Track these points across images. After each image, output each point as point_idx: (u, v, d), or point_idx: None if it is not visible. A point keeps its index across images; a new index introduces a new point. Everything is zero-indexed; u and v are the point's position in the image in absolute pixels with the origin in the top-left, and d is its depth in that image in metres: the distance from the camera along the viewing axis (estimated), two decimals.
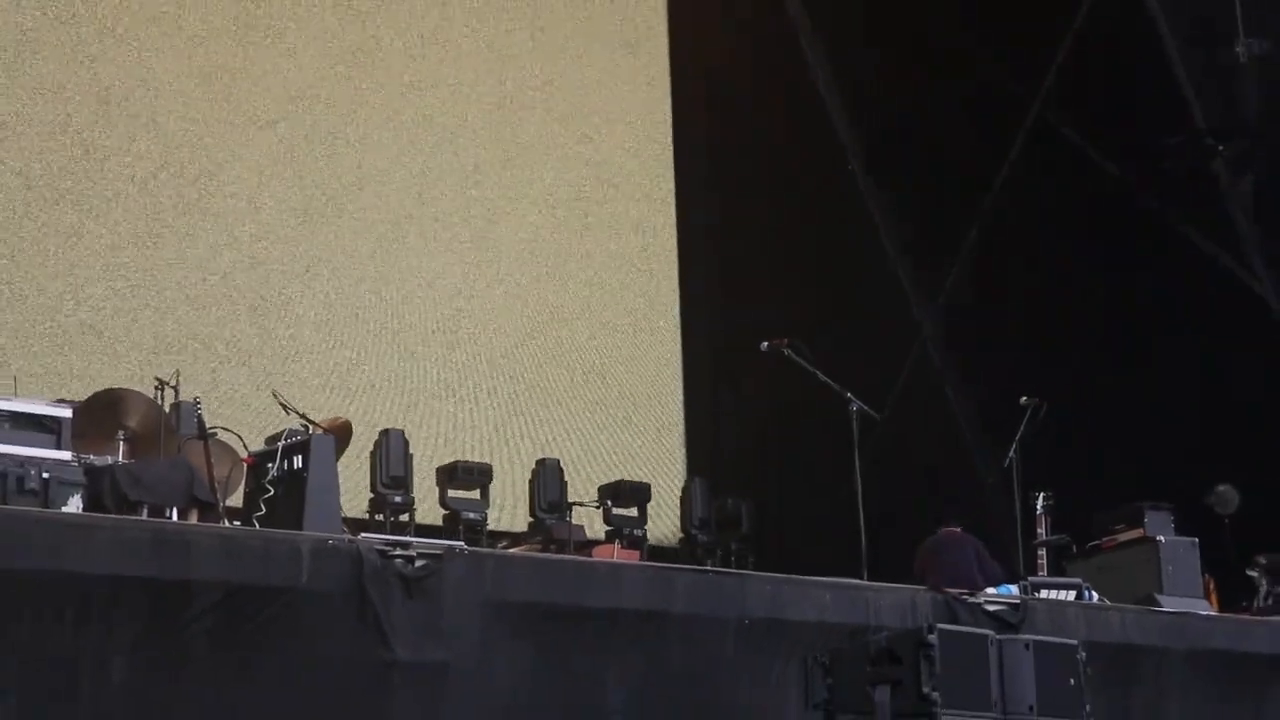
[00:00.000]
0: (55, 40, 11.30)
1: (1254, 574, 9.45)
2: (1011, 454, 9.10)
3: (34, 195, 10.91)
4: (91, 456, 7.06)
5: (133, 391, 7.84)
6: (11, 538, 5.40)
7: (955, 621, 6.79)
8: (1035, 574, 8.76)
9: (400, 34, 12.88)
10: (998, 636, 6.42)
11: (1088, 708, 6.41)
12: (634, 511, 11.00)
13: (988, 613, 7.14)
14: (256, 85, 12.16)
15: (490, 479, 10.55)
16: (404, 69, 12.87)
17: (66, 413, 6.97)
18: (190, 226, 11.42)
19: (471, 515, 10.25)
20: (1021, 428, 9.09)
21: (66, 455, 6.77)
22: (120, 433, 7.54)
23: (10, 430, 6.64)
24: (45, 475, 6.56)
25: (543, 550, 10.00)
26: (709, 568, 9.70)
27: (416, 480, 10.32)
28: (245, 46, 12.09)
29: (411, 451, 10.31)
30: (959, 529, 8.98)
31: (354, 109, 12.50)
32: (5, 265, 10.47)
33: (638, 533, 10.92)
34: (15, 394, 7.02)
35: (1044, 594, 7.96)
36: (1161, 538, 8.98)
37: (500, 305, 12.79)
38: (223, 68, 11.95)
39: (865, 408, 8.82)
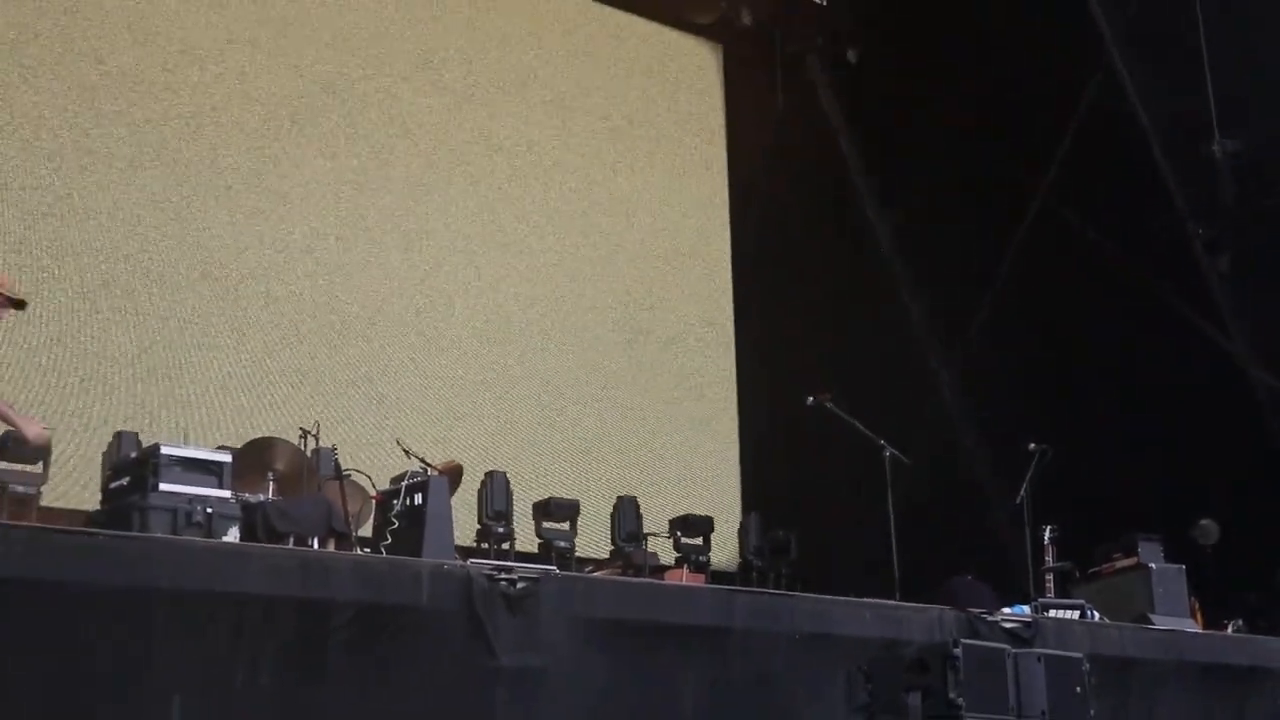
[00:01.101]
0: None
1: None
2: (1022, 493, 9.07)
3: (210, 283, 11.02)
4: (246, 495, 7.15)
5: (280, 439, 7.93)
6: (181, 563, 5.47)
7: (976, 637, 6.76)
8: (1044, 596, 8.70)
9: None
10: (1013, 650, 6.41)
11: (1092, 712, 6.39)
12: (699, 541, 11.00)
13: (1004, 629, 7.09)
14: (401, 161, 12.27)
15: (578, 513, 10.59)
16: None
17: (226, 458, 7.01)
18: (325, 301, 11.50)
19: (562, 544, 10.29)
20: (1030, 470, 9.07)
21: (226, 494, 6.82)
22: (270, 474, 7.64)
23: (181, 473, 6.69)
24: (209, 511, 6.61)
25: (622, 574, 10.01)
26: (765, 589, 9.70)
27: (515, 513, 10.39)
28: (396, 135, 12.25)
29: (511, 489, 10.39)
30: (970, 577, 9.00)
31: (468, 199, 12.58)
32: (177, 330, 10.56)
33: (702, 559, 10.91)
34: (185, 442, 7.09)
35: (1052, 613, 7.89)
36: (1153, 565, 8.92)
37: (583, 370, 12.81)
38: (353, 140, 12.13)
39: (896, 453, 8.81)
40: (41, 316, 9.94)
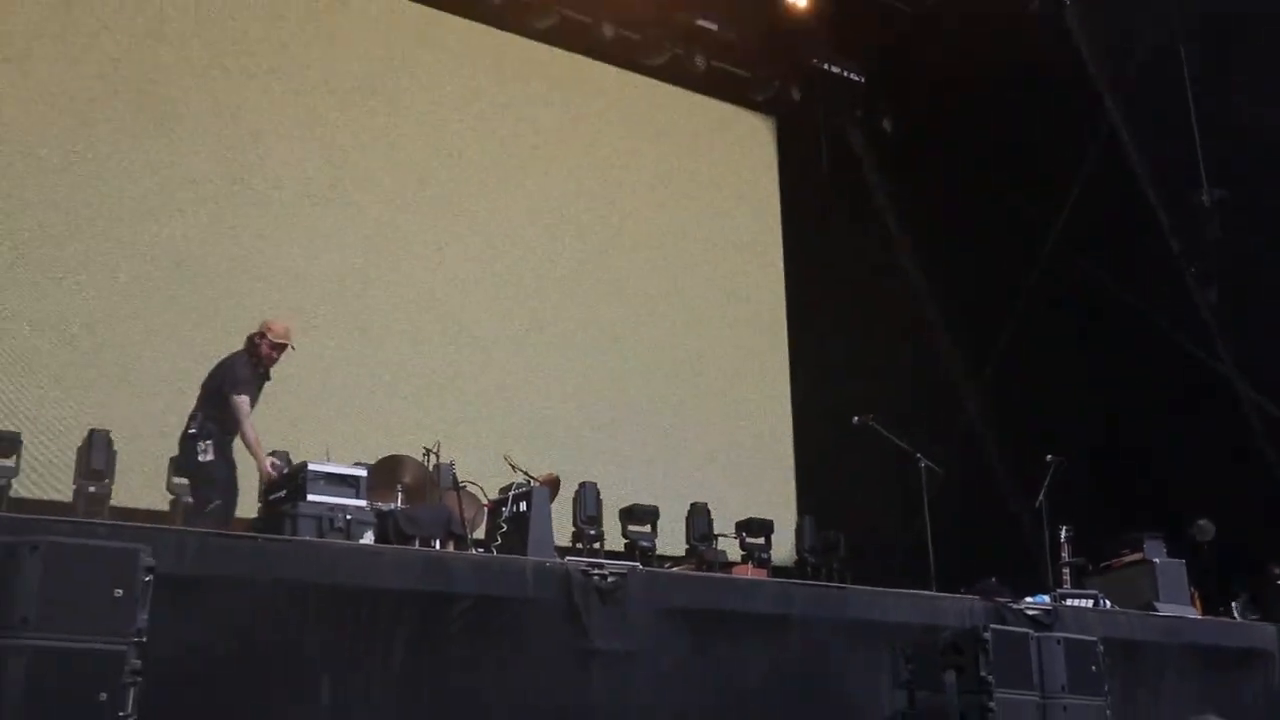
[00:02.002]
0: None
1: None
2: (1041, 498, 8.98)
3: (351, 324, 11.17)
4: (379, 504, 7.21)
5: (408, 457, 7.97)
6: (326, 562, 5.57)
7: (1003, 623, 6.69)
8: (1061, 587, 8.59)
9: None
10: (1035, 634, 6.33)
11: (1106, 688, 6.29)
12: (761, 540, 10.94)
13: (1027, 616, 7.02)
14: (521, 216, 12.43)
15: (658, 517, 10.59)
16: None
17: (362, 472, 7.07)
18: (445, 342, 11.63)
19: (644, 543, 10.28)
20: (1048, 478, 8.98)
21: (362, 503, 6.87)
22: (399, 486, 7.68)
23: (325, 485, 6.75)
24: (348, 517, 6.67)
25: (696, 569, 10.00)
26: (819, 582, 9.65)
27: (604, 517, 10.43)
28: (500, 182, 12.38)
29: (600, 497, 10.42)
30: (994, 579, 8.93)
31: (562, 250, 12.69)
32: (320, 362, 10.67)
33: (764, 556, 10.85)
34: (328, 459, 7.15)
35: (1069, 602, 7.79)
36: (1157, 559, 8.80)
37: (660, 395, 12.87)
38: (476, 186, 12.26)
39: (931, 464, 8.76)
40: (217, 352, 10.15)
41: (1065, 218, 12.30)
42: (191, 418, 7.33)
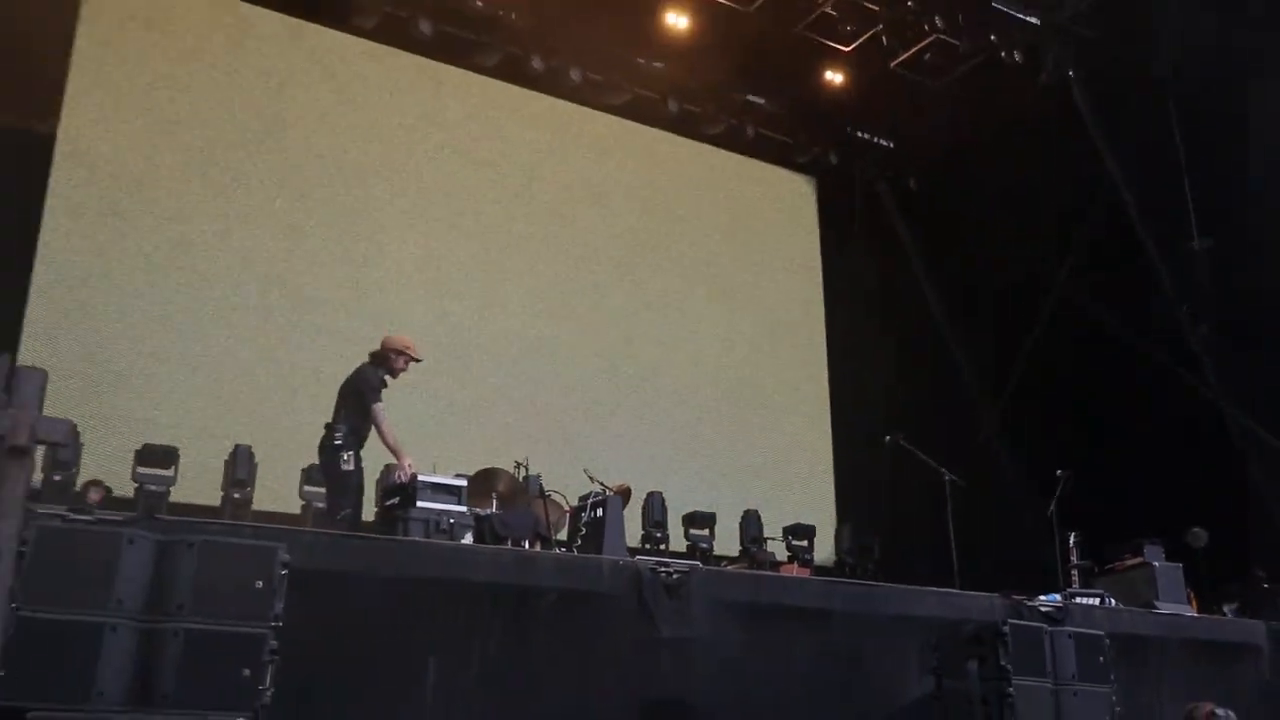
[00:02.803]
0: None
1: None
2: (1051, 508, 8.81)
3: (456, 354, 11.28)
4: (477, 509, 7.24)
5: (501, 469, 8.01)
6: (432, 559, 5.61)
7: (1019, 618, 6.55)
8: (1071, 587, 8.39)
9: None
10: (1049, 628, 6.20)
11: (1112, 676, 6.14)
12: (805, 543, 10.85)
13: (1041, 612, 6.85)
14: (602, 264, 12.48)
15: (715, 522, 10.54)
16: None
17: (462, 482, 7.11)
18: (532, 372, 11.70)
19: (704, 545, 10.24)
20: (1058, 490, 8.80)
21: (463, 509, 6.91)
22: (493, 494, 7.71)
23: (432, 493, 6.80)
24: (451, 521, 6.73)
25: (749, 567, 9.93)
26: (857, 580, 9.53)
27: (669, 522, 10.39)
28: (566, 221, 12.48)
29: (665, 504, 10.40)
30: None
31: (622, 292, 12.73)
32: (428, 387, 10.82)
33: (808, 557, 10.75)
34: (434, 470, 7.20)
35: (1078, 600, 7.60)
36: (1156, 563, 8.54)
37: (717, 416, 12.84)
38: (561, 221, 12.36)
39: (954, 477, 8.65)
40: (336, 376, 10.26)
41: (1071, 263, 12.15)
42: (333, 428, 7.02)
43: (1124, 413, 11.20)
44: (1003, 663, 5.71)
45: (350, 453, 6.95)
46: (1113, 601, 7.87)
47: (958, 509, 8.57)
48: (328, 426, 7.06)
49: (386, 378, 7.28)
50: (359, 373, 7.19)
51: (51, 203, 9.71)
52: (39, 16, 9.14)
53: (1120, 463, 10.88)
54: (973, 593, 7.13)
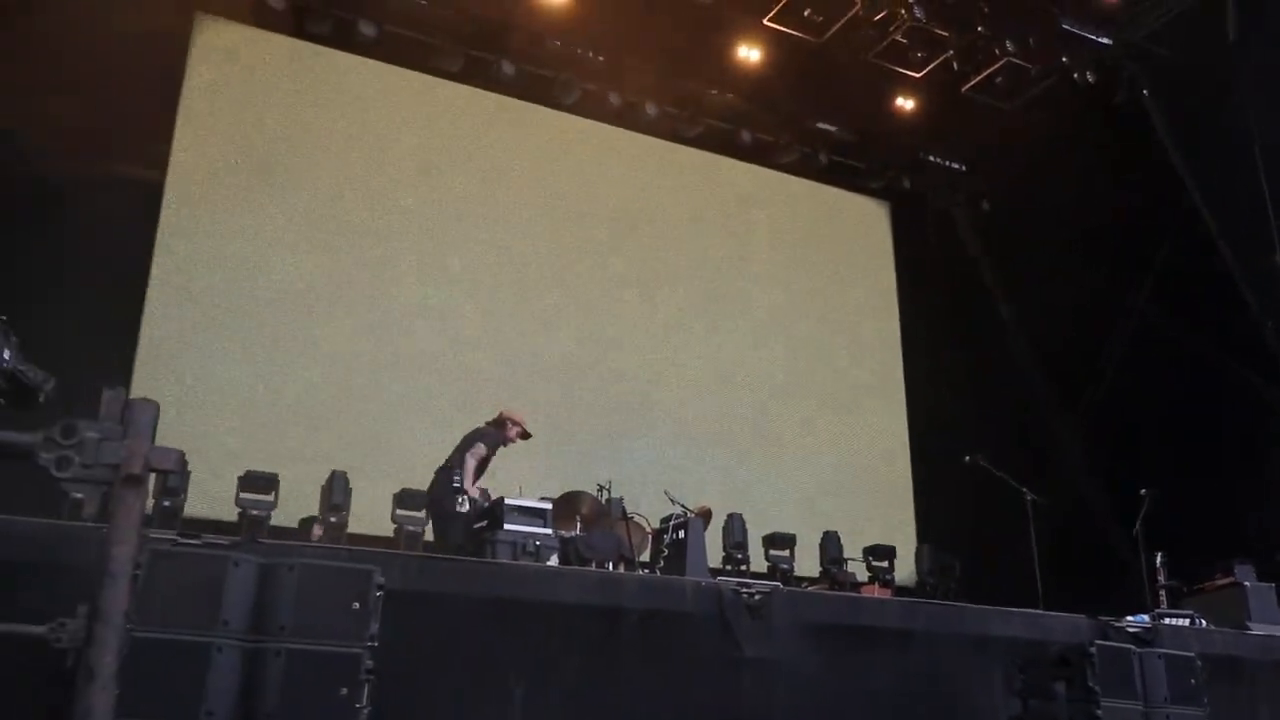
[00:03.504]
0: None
1: None
2: (1136, 527, 8.54)
3: (542, 380, 11.38)
4: (562, 531, 7.28)
5: (585, 492, 8.06)
6: (520, 581, 5.62)
7: (1106, 639, 6.32)
8: (1159, 607, 8.11)
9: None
10: (1138, 649, 5.97)
11: (1205, 699, 5.89)
12: (885, 564, 10.60)
13: (1129, 633, 6.62)
14: (681, 295, 12.50)
15: (795, 543, 10.37)
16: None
17: (547, 505, 7.16)
18: (618, 398, 11.73)
19: (784, 566, 10.08)
20: (1142, 509, 8.54)
21: (549, 531, 6.96)
22: (577, 517, 7.76)
23: (518, 517, 6.86)
24: (537, 543, 6.77)
25: (830, 589, 9.79)
26: (939, 601, 9.33)
27: (749, 543, 10.26)
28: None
29: (746, 525, 10.28)
30: None
31: (711, 316, 12.71)
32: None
33: (888, 577, 10.52)
34: (520, 494, 7.26)
35: (1167, 621, 7.33)
36: (1247, 583, 8.19)
37: (797, 436, 12.74)
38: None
39: (1035, 497, 8.44)
40: (424, 402, 10.39)
41: (1150, 278, 11.81)
42: (452, 471, 7.61)
43: (1208, 431, 10.84)
44: (1091, 684, 5.51)
45: (465, 496, 7.53)
46: (1203, 622, 7.58)
47: (1040, 529, 8.36)
48: (446, 470, 7.63)
49: (504, 444, 8.04)
50: (481, 431, 7.96)
51: (160, 243, 10.07)
52: (147, 66, 9.49)
53: (1206, 481, 10.51)
54: (1058, 613, 6.93)
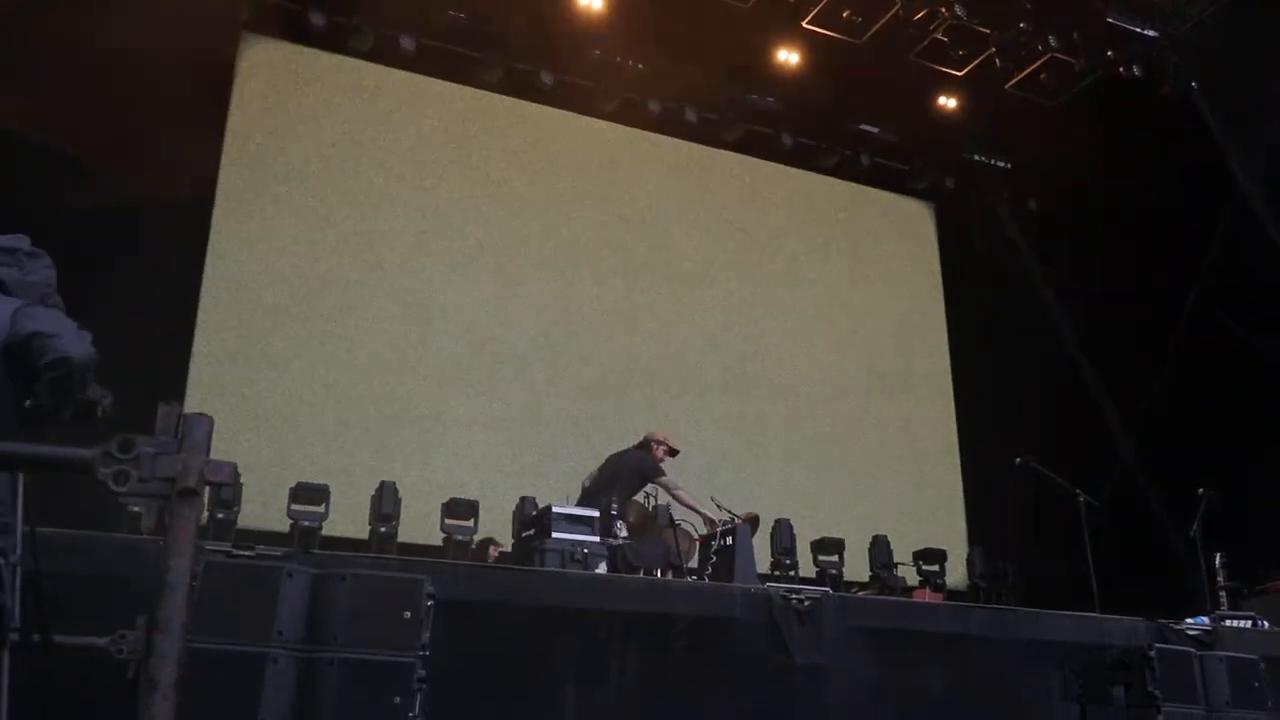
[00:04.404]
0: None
1: None
2: (1194, 528, 8.37)
3: (585, 396, 11.43)
4: (610, 539, 7.29)
5: (632, 499, 8.07)
6: (568, 589, 5.64)
7: (1166, 642, 6.21)
8: (1219, 609, 7.94)
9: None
10: (1198, 652, 5.86)
11: (1269, 703, 5.76)
12: (936, 567, 10.53)
13: (1189, 636, 6.50)
14: (726, 301, 12.48)
15: (844, 548, 10.32)
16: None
17: (595, 513, 7.18)
18: (666, 405, 11.74)
19: (833, 571, 10.03)
20: (1200, 510, 8.36)
21: (596, 539, 6.98)
22: (625, 524, 7.76)
23: (566, 525, 6.88)
24: (585, 551, 6.79)
25: (880, 593, 9.71)
26: (992, 605, 9.22)
27: (797, 549, 10.22)
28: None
29: (794, 531, 10.24)
30: None
31: (760, 322, 12.70)
32: (559, 429, 10.95)
33: (939, 581, 10.44)
34: (567, 502, 7.29)
35: (1228, 623, 7.18)
36: None
37: (845, 440, 12.66)
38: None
39: (1089, 499, 8.30)
40: (465, 415, 10.43)
41: (1204, 274, 11.57)
42: (608, 498, 7.64)
43: (1266, 428, 10.59)
44: (1151, 689, 5.42)
45: (621, 522, 7.61)
46: (1265, 624, 7.41)
47: (1094, 531, 8.22)
48: (602, 498, 7.64)
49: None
50: (637, 459, 8.13)
51: (210, 261, 10.26)
52: (194, 86, 9.66)
53: (1265, 480, 10.28)
54: (1115, 616, 6.81)
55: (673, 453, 8.32)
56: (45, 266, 3.55)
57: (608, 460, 8.21)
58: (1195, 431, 11.16)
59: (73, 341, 3.25)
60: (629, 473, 8.01)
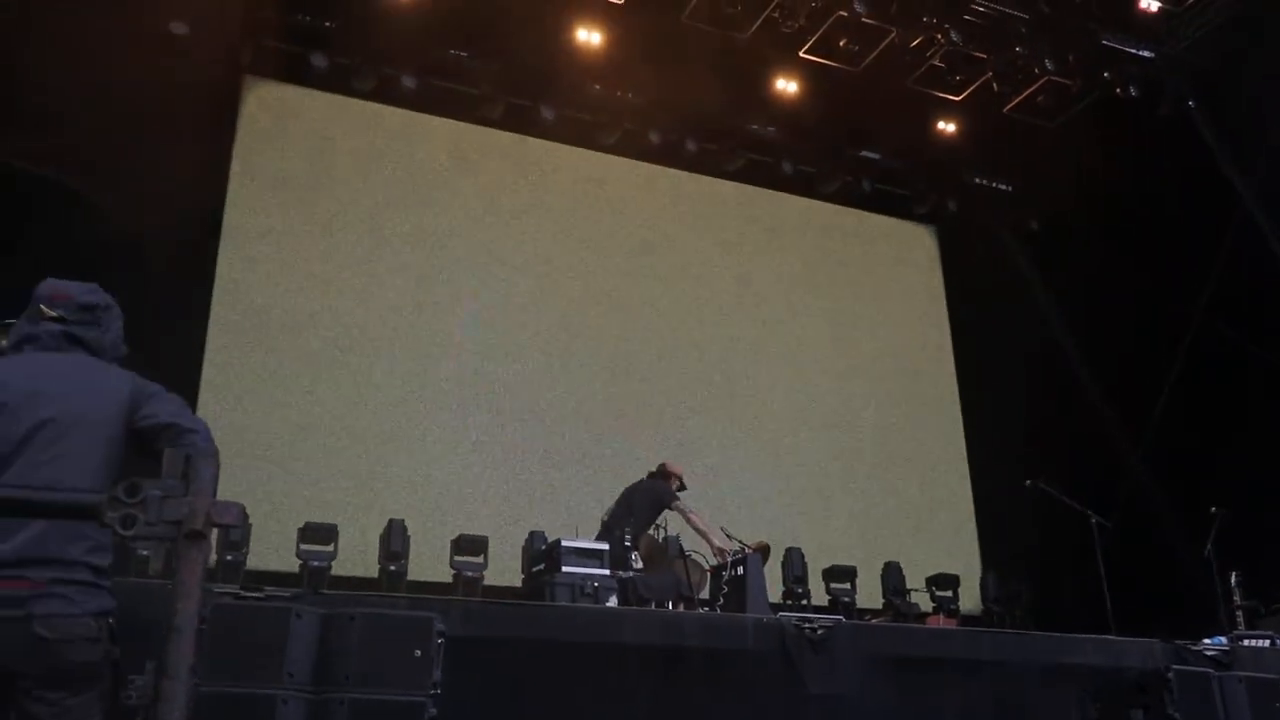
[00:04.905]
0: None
1: None
2: (1208, 547, 8.31)
3: (583, 421, 11.42)
4: (620, 572, 7.26)
5: (642, 532, 8.04)
6: (580, 623, 5.61)
7: (1184, 663, 6.15)
8: (1236, 629, 7.86)
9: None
10: (1216, 673, 5.80)
11: None
12: (949, 593, 10.43)
13: (1207, 657, 6.43)
14: (735, 330, 12.48)
15: (856, 575, 10.25)
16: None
17: (604, 546, 7.17)
18: (670, 433, 11.72)
19: (846, 599, 9.95)
20: (1213, 528, 8.31)
21: (606, 572, 6.96)
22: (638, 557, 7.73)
23: (577, 559, 6.88)
24: (595, 585, 6.77)
25: (893, 620, 9.64)
26: (1006, 629, 9.13)
27: (809, 577, 10.16)
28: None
29: (805, 559, 10.18)
30: None
31: (765, 347, 12.68)
32: (561, 462, 10.94)
33: (953, 607, 10.34)
34: (577, 536, 7.26)
35: (1246, 643, 7.10)
36: None
37: (852, 467, 12.61)
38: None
39: (1100, 519, 8.26)
40: (480, 444, 10.40)
41: (1209, 293, 11.55)
42: (621, 528, 7.68)
43: (1277, 444, 10.54)
44: (1170, 711, 5.37)
45: (636, 553, 7.67)
46: None
47: (1106, 552, 8.18)
48: (616, 530, 7.69)
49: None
50: (653, 488, 8.22)
51: (216, 298, 10.30)
52: (199, 129, 9.74)
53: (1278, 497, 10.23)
54: (1132, 638, 6.75)
55: (682, 487, 8.37)
56: (118, 318, 3.34)
57: (623, 493, 8.22)
58: (1204, 449, 11.11)
59: (208, 437, 3.09)
60: (645, 501, 8.07)
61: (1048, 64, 11.58)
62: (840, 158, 13.15)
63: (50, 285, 3.21)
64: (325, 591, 5.92)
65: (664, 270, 12.50)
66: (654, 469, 8.56)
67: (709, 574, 7.77)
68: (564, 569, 6.73)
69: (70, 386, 3.00)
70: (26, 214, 8.26)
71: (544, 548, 7.60)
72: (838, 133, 12.80)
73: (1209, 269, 11.51)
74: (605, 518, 8.07)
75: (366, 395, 10.62)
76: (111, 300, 3.33)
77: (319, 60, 10.96)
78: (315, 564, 8.49)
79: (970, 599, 10.99)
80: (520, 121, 11.99)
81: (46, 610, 2.73)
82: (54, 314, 3.10)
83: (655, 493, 8.18)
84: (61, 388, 2.97)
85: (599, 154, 12.46)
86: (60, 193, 8.53)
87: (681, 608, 7.22)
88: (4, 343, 3.22)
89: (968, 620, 10.47)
